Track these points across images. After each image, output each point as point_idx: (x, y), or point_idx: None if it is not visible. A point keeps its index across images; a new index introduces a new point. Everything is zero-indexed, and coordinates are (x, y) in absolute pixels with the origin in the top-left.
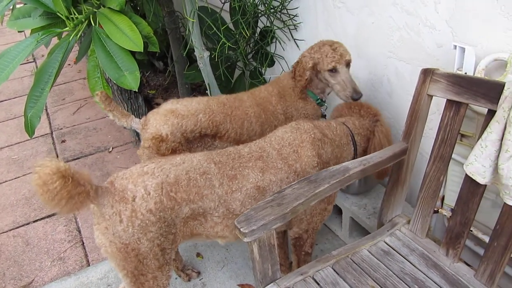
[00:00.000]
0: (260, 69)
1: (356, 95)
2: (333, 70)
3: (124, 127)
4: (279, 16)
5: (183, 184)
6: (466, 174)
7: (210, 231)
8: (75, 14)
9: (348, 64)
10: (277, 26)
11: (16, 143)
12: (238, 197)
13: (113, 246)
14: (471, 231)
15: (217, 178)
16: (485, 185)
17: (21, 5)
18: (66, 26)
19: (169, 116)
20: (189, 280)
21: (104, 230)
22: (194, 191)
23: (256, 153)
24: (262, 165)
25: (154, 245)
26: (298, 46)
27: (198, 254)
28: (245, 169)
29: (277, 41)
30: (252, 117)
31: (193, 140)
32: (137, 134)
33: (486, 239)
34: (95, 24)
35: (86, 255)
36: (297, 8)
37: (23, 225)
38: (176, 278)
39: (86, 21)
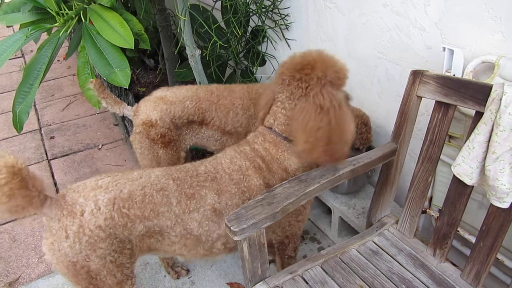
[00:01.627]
0: (251, 68)
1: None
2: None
3: (121, 119)
4: (270, 16)
5: (137, 200)
6: (454, 175)
7: (168, 248)
8: (65, 10)
9: None
10: (268, 26)
11: (3, 139)
12: (195, 217)
13: (60, 264)
14: (458, 231)
15: (175, 195)
16: (472, 186)
17: None
18: (56, 22)
19: (159, 102)
20: (178, 278)
21: (50, 246)
22: (149, 208)
23: (211, 173)
24: (217, 187)
25: (106, 261)
26: (289, 46)
27: None
28: (203, 188)
29: (268, 40)
30: (239, 109)
31: (182, 126)
32: (127, 132)
33: (473, 239)
34: (86, 20)
35: None
36: (288, 7)
37: (10, 221)
38: (165, 276)
39: (77, 17)
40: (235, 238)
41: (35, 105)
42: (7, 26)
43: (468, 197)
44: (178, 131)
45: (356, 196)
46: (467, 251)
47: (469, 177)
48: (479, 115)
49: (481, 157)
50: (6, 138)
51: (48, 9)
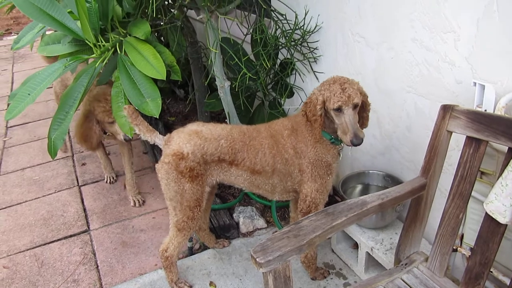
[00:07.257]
0: (279, 99)
1: (356, 141)
2: (339, 110)
3: (150, 148)
4: (299, 49)
5: None
6: (486, 213)
7: None
8: (102, 42)
9: (355, 107)
10: (297, 58)
11: (37, 164)
12: None
13: None
14: (491, 272)
15: None
16: (506, 225)
17: (51, 31)
18: (93, 53)
19: (193, 136)
20: None
21: None
22: None
23: None
24: None
25: None
26: (317, 78)
27: (211, 283)
28: None
29: (296, 72)
30: (266, 148)
31: (211, 163)
32: (156, 160)
33: (507, 281)
34: (121, 52)
35: (99, 279)
36: (317, 41)
37: (39, 246)
38: None
39: (112, 49)
40: (261, 270)
41: (68, 132)
42: (47, 57)
43: (501, 236)
44: (206, 166)
45: (384, 231)
46: None
47: (502, 215)
48: None
49: None
50: (40, 164)
51: (87, 41)
